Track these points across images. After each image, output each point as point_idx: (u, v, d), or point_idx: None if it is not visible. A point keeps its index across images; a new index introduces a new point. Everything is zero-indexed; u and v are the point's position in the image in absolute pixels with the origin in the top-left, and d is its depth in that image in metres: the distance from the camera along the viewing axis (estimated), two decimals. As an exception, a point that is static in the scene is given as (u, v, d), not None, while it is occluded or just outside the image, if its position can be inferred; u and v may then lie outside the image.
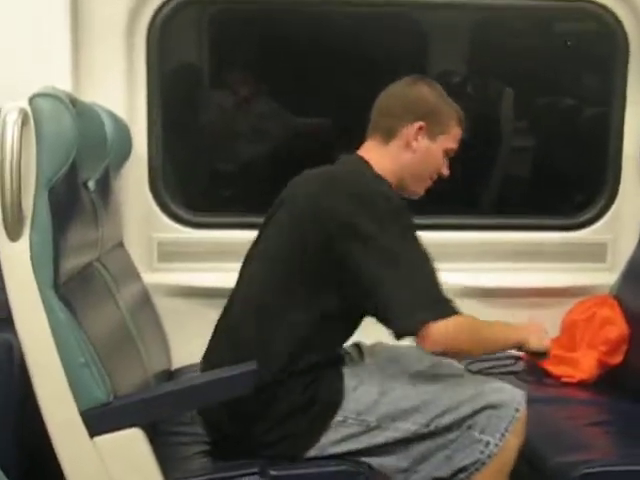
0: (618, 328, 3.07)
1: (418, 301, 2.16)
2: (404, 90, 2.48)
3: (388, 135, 2.45)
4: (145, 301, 2.99)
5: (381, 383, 2.32)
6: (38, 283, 2.03)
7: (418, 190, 2.51)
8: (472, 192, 3.68)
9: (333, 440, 2.26)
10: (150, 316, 2.98)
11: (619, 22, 3.24)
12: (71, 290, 2.12)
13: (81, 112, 2.17)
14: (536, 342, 2.38)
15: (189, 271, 3.21)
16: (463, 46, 3.78)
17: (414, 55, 3.79)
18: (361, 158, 2.45)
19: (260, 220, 3.24)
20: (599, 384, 3.04)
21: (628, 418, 2.73)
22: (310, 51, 3.61)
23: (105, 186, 2.66)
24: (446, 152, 2.48)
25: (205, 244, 3.24)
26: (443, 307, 2.19)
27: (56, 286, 2.05)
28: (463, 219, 3.46)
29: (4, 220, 2.00)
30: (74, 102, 2.14)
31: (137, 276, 3.00)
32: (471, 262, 3.30)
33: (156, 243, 3.20)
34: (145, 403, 2.15)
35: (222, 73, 3.84)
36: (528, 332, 2.39)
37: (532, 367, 3.07)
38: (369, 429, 2.27)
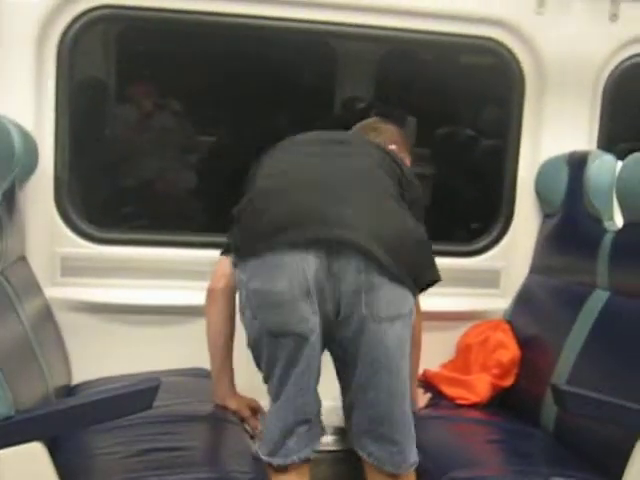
0: (510, 352, 3.17)
1: None
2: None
3: None
4: (47, 315, 2.97)
5: None
6: None
7: None
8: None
9: None
10: (52, 331, 2.96)
11: (515, 57, 3.38)
12: (-27, 303, 2.11)
13: (-12, 124, 2.16)
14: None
15: (92, 286, 3.18)
16: (370, 74, 3.88)
17: (322, 79, 3.88)
18: None
19: (163, 237, 3.29)
20: (491, 405, 3.13)
21: (519, 437, 2.84)
22: (217, 69, 3.65)
23: (10, 199, 2.65)
24: None
25: (108, 260, 3.22)
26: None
27: (-43, 297, 2.04)
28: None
29: None
30: (-18, 114, 2.13)
31: (39, 290, 2.97)
32: None
33: (59, 257, 3.16)
34: (47, 418, 2.13)
35: (128, 88, 3.85)
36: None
37: (427, 388, 3.16)
38: None
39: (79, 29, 3.09)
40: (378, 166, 2.45)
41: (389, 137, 2.85)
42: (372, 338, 2.25)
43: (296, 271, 2.21)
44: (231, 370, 2.72)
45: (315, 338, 2.26)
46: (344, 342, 2.29)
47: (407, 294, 2.30)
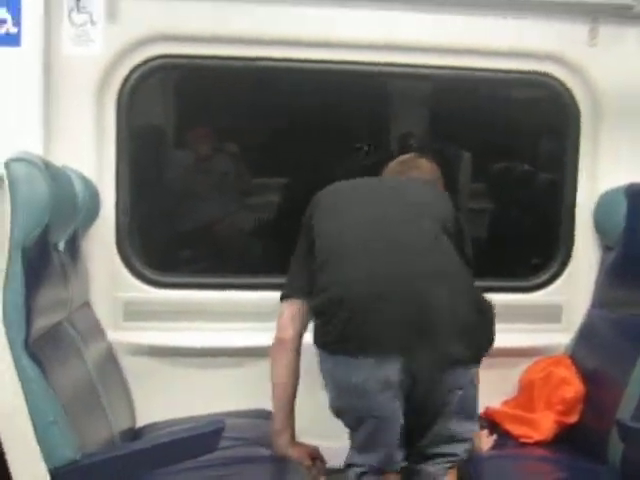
0: (574, 388, 3.13)
1: None
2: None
3: None
4: (111, 360, 3.02)
5: None
6: (10, 342, 2.06)
7: None
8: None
9: None
10: (116, 375, 3.01)
11: (568, 89, 3.37)
12: (41, 349, 2.16)
13: (54, 176, 2.23)
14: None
15: (154, 330, 3.23)
16: (424, 111, 3.90)
17: (376, 118, 3.90)
18: None
19: (224, 280, 3.33)
20: (556, 443, 3.08)
21: (586, 475, 2.80)
22: (273, 112, 3.70)
23: (74, 247, 2.72)
24: None
25: (170, 304, 3.27)
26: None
27: (27, 345, 2.09)
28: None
29: (-22, 280, 2.04)
30: (47, 166, 2.20)
31: (103, 335, 3.03)
32: None
33: (122, 302, 3.22)
34: (113, 461, 2.18)
35: (187, 134, 3.92)
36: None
37: (491, 427, 3.12)
38: None
39: (137, 79, 3.18)
40: (442, 230, 2.55)
41: (430, 173, 2.91)
42: None
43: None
44: (293, 422, 2.73)
45: (396, 414, 2.40)
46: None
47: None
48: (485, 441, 3.00)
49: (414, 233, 2.53)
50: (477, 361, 2.50)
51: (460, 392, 2.44)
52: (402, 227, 2.54)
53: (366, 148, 3.76)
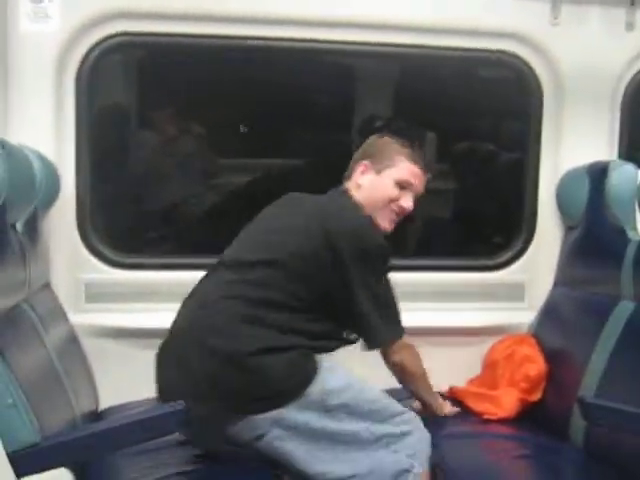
0: (537, 366, 3.15)
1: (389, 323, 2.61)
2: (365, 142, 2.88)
3: (347, 177, 2.82)
4: (72, 342, 2.98)
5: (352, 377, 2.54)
6: None
7: (384, 225, 2.75)
8: (393, 234, 3.76)
9: (299, 406, 2.41)
10: (77, 357, 2.98)
11: (532, 69, 3.38)
12: (-2, 331, 2.13)
13: (10, 154, 2.19)
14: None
15: (116, 312, 3.21)
16: (388, 91, 3.89)
17: (341, 98, 3.89)
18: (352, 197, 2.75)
19: (187, 261, 3.30)
20: (519, 420, 3.10)
21: (549, 452, 2.81)
22: (237, 92, 3.67)
23: (33, 227, 2.68)
24: (399, 184, 2.74)
25: (132, 285, 3.25)
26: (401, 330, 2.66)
27: (-17, 327, 2.06)
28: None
29: None
30: (3, 144, 2.16)
31: (64, 317, 2.99)
32: None
33: (84, 284, 3.19)
34: (73, 443, 2.15)
35: (149, 113, 3.87)
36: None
37: (453, 404, 3.14)
38: (325, 411, 2.42)
39: (97, 56, 3.13)
40: (267, 265, 2.53)
41: (365, 154, 2.83)
42: None
43: None
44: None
45: None
46: None
47: None
48: (447, 407, 3.03)
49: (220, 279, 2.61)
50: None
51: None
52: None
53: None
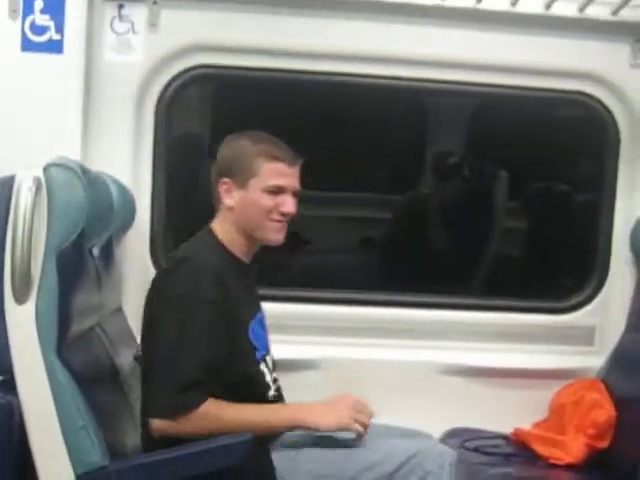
0: (606, 412, 3.09)
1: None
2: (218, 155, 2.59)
3: (216, 201, 2.57)
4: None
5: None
6: (42, 346, 2.07)
7: (270, 237, 2.53)
8: (463, 272, 3.74)
9: None
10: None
11: (608, 110, 3.34)
12: (72, 354, 2.17)
13: (91, 181, 2.24)
14: (326, 423, 2.36)
15: None
16: (462, 128, 3.89)
17: (415, 136, 3.90)
18: (211, 232, 2.56)
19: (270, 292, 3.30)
20: (586, 467, 3.04)
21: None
22: (310, 125, 3.70)
23: (108, 252, 2.73)
24: (270, 191, 2.48)
25: None
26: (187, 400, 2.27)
27: (59, 349, 2.10)
28: (453, 299, 3.49)
29: (12, 283, 2.06)
30: (84, 172, 2.21)
31: (134, 341, 3.03)
32: (460, 341, 3.33)
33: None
34: (140, 469, 2.18)
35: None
36: (310, 413, 2.37)
37: (521, 447, 3.09)
38: None
39: (177, 87, 3.20)
40: None
41: (222, 169, 2.55)
42: None
43: None
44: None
45: None
46: None
47: None
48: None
49: None
50: None
51: None
52: None
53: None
